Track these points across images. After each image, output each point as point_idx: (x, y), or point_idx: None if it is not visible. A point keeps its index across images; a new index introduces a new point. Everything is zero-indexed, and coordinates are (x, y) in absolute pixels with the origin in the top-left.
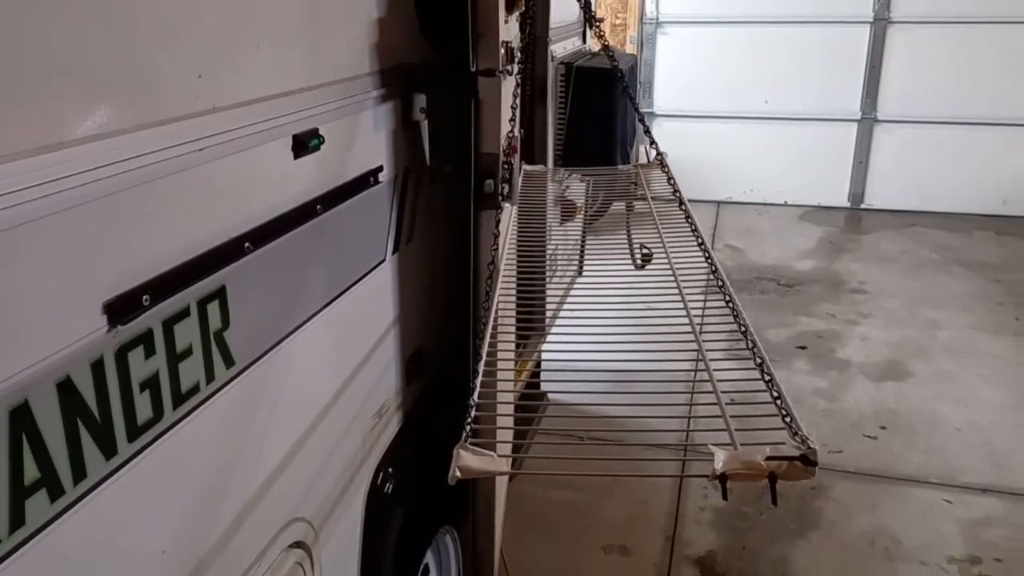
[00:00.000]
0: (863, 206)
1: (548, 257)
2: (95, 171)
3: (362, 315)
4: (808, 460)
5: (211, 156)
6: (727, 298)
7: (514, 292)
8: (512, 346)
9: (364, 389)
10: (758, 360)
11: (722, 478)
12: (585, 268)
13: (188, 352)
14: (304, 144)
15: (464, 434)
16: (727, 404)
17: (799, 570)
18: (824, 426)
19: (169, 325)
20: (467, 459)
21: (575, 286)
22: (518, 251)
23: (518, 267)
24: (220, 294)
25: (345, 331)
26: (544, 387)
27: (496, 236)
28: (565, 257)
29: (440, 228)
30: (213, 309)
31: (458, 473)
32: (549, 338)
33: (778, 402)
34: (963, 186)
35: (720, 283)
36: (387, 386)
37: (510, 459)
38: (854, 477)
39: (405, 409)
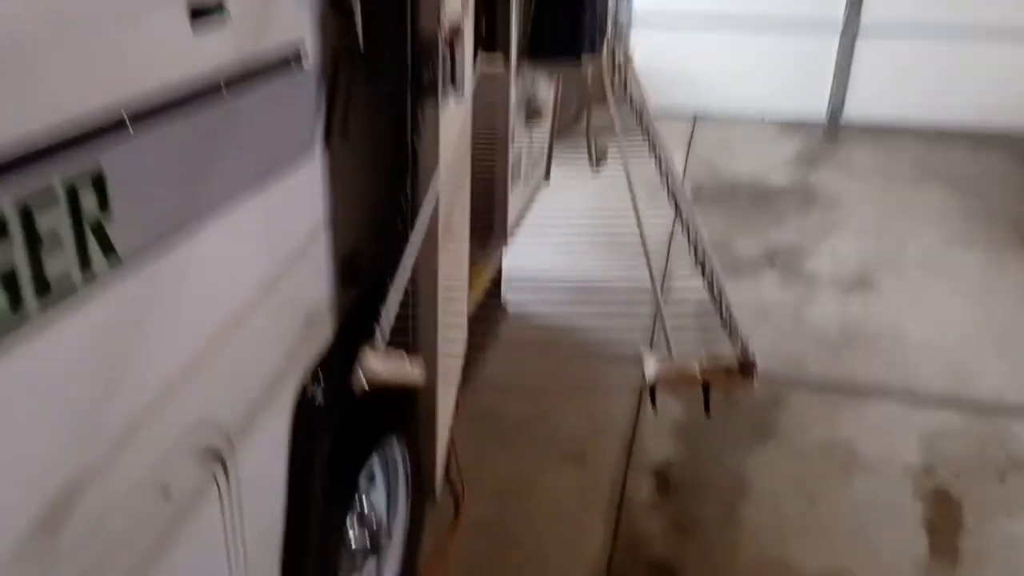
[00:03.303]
0: (842, 121)
1: (511, 161)
2: None
3: (285, 213)
4: (746, 369)
5: (81, 15)
6: (674, 205)
7: (468, 195)
8: (459, 249)
9: (288, 292)
10: (699, 265)
11: (651, 388)
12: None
13: (57, 243)
14: (203, 13)
15: (377, 335)
16: (690, 315)
17: (755, 477)
18: (789, 338)
19: (27, 209)
20: (374, 362)
21: (540, 193)
22: (474, 151)
23: (474, 168)
24: (97, 179)
25: (264, 230)
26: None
27: (427, 131)
28: (530, 161)
29: (380, 122)
30: (87, 195)
31: (363, 376)
32: (510, 246)
33: (723, 311)
34: (942, 100)
35: (669, 189)
36: (317, 290)
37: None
38: (817, 389)
39: (340, 315)
